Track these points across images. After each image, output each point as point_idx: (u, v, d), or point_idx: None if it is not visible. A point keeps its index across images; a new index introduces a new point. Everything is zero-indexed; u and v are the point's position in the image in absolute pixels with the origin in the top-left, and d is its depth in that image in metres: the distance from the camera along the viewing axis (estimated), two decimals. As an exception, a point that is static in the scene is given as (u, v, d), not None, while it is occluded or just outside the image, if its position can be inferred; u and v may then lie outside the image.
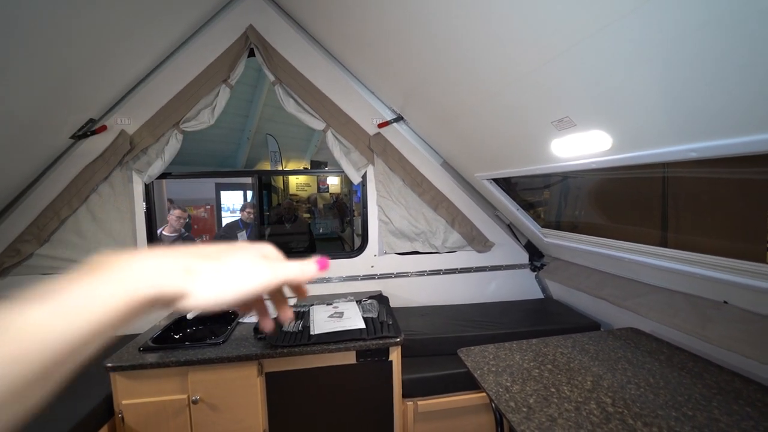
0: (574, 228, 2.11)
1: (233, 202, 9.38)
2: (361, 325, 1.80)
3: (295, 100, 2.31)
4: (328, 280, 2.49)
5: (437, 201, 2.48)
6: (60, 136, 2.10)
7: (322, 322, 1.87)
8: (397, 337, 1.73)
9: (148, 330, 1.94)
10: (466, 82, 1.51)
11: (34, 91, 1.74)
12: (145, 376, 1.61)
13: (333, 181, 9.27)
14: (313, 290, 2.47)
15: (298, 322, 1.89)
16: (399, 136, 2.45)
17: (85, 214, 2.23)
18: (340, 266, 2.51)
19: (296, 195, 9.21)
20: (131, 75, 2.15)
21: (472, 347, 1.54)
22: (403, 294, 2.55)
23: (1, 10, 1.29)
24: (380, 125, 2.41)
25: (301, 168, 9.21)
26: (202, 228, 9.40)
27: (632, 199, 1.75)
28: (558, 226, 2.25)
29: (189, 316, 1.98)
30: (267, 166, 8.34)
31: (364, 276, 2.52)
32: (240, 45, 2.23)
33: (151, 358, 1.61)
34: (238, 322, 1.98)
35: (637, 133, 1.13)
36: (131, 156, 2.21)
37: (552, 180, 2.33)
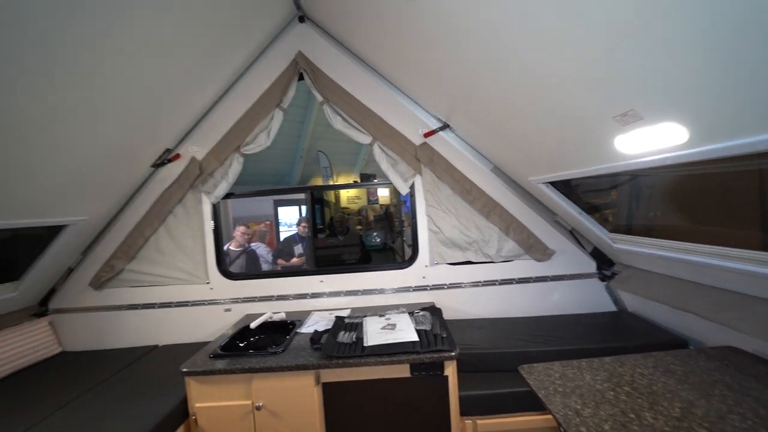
0: (648, 232, 1.89)
1: (290, 218, 9.96)
2: (414, 337, 1.77)
3: (342, 117, 2.40)
4: (380, 291, 2.50)
5: (489, 208, 2.39)
6: (143, 165, 2.39)
7: (375, 333, 1.87)
8: (451, 351, 1.67)
9: (217, 338, 2.09)
10: (514, 82, 1.44)
11: (122, 128, 2.01)
12: (214, 381, 1.73)
13: (383, 193, 9.40)
14: (366, 301, 2.49)
15: (352, 333, 1.91)
16: (446, 145, 2.41)
17: (163, 233, 2.51)
18: (391, 277, 2.51)
19: (347, 208, 9.50)
20: (199, 107, 2.40)
21: (535, 364, 1.44)
22: (457, 305, 2.47)
23: (91, 58, 1.52)
24: (426, 135, 2.39)
25: (351, 181, 9.50)
26: (264, 241, 10.11)
27: (719, 197, 1.52)
28: (629, 230, 2.03)
29: (252, 326, 2.10)
30: (319, 181, 8.73)
31: (416, 287, 2.49)
32: (290, 71, 2.39)
33: (219, 364, 1.74)
34: (296, 332, 2.06)
35: (719, 122, 0.98)
36: (200, 179, 2.45)
37: (619, 180, 2.12)
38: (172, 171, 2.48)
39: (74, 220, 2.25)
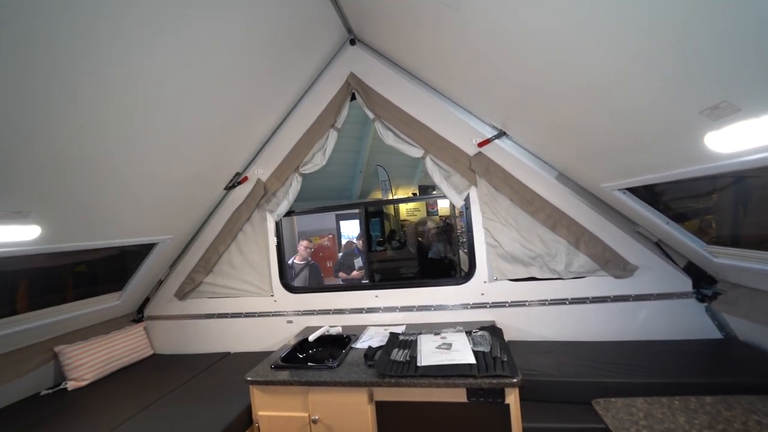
0: (760, 243, 1.56)
1: (351, 231, 10.29)
2: (471, 359, 1.67)
3: (394, 133, 2.42)
4: (436, 307, 2.42)
5: (554, 219, 2.19)
6: (217, 188, 2.66)
7: (429, 353, 1.80)
8: (513, 377, 1.53)
9: (279, 349, 2.20)
10: (578, 80, 1.32)
11: (201, 157, 2.27)
12: (275, 391, 1.81)
13: (444, 204, 9.25)
14: (421, 318, 2.43)
15: (406, 351, 1.87)
16: (503, 153, 2.29)
17: (234, 249, 2.74)
18: (448, 293, 2.41)
19: (406, 220, 9.49)
20: (263, 133, 2.61)
21: (614, 399, 1.25)
22: (521, 326, 2.28)
23: (171, 97, 1.74)
24: (481, 144, 2.30)
25: (410, 193, 9.53)
26: (327, 255, 10.56)
27: None
28: (735, 242, 1.69)
29: (311, 339, 2.17)
30: (379, 195, 8.91)
31: (474, 304, 2.37)
32: (343, 92, 2.49)
33: (280, 375, 1.81)
34: (351, 347, 2.07)
35: None
36: (265, 199, 2.65)
37: (718, 183, 1.80)
38: (241, 192, 2.71)
39: (162, 238, 2.58)
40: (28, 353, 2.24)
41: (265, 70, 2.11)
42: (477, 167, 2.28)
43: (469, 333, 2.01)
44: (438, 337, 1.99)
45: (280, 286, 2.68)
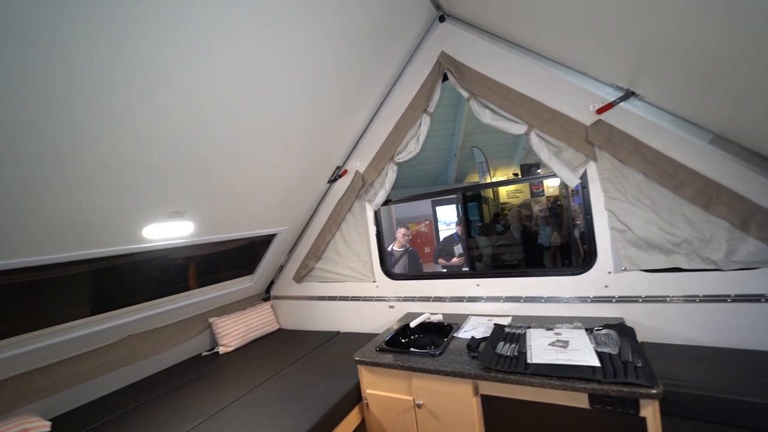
0: None
1: (447, 217, 10.12)
2: (595, 362, 1.45)
3: (491, 110, 2.23)
4: (547, 299, 2.19)
5: (708, 195, 1.73)
6: (322, 182, 2.88)
7: (541, 349, 1.64)
8: (652, 388, 1.28)
9: (383, 333, 2.29)
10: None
11: (308, 154, 2.49)
12: (381, 372, 1.90)
13: (553, 183, 8.34)
14: (529, 310, 2.23)
15: (513, 345, 1.73)
16: (631, 118, 1.89)
17: (339, 238, 2.95)
18: (562, 284, 2.15)
19: (507, 203, 8.87)
20: (358, 126, 2.70)
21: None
22: (659, 326, 1.90)
23: (281, 100, 1.91)
24: (600, 110, 1.94)
25: (510, 174, 8.82)
26: (424, 240, 10.63)
27: None
28: None
29: (412, 325, 2.21)
30: (475, 178, 8.50)
31: (595, 298, 2.06)
32: (434, 74, 2.39)
33: (384, 358, 1.89)
34: (453, 336, 2.03)
35: None
36: (363, 190, 2.76)
37: None
38: (342, 185, 2.89)
39: (281, 229, 2.93)
40: (191, 323, 2.83)
41: (356, 65, 2.16)
42: (596, 138, 1.94)
43: (589, 331, 1.76)
44: (551, 332, 1.80)
45: (381, 272, 2.78)
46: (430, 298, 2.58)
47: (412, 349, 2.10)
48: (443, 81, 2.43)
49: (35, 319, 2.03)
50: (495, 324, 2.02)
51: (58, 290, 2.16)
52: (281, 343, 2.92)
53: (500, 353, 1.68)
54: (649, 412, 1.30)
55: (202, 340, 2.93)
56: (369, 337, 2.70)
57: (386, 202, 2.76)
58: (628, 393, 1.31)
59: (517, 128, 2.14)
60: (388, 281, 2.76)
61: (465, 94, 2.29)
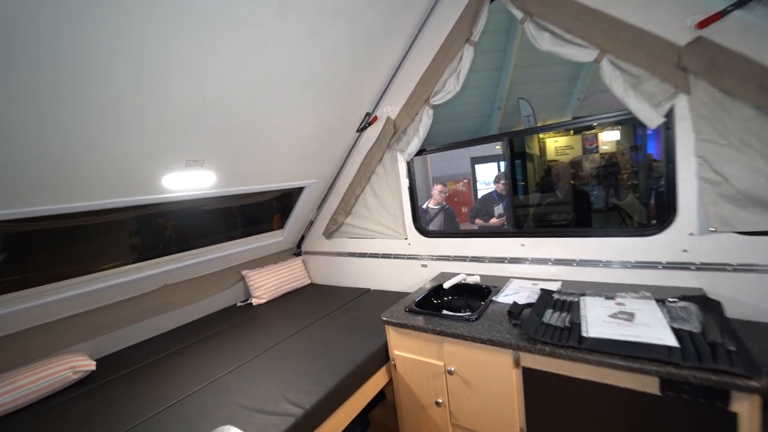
0: None
1: (487, 176, 9.54)
2: (671, 341, 1.18)
3: (552, 33, 1.80)
4: (606, 263, 1.88)
5: None
6: (350, 131, 2.64)
7: (599, 321, 1.38)
8: (752, 378, 1.00)
9: (414, 292, 2.14)
10: None
11: (333, 103, 2.24)
12: (410, 335, 1.76)
13: (608, 137, 7.44)
14: (583, 275, 1.94)
15: (564, 314, 1.49)
16: (747, 32, 1.42)
17: (369, 192, 2.75)
18: (626, 247, 1.82)
19: (555, 161, 8.11)
20: (389, 67, 2.37)
21: None
22: (754, 301, 1.54)
23: (298, 44, 1.65)
24: (702, 23, 1.48)
25: (561, 129, 7.98)
26: (461, 200, 10.22)
27: None
28: None
29: (446, 286, 2.02)
30: (521, 133, 7.79)
31: (668, 264, 1.72)
32: (481, -9, 1.97)
33: (413, 320, 1.74)
34: (492, 300, 1.82)
35: None
36: (395, 138, 2.49)
37: None
38: (372, 133, 2.63)
39: (308, 183, 2.78)
40: (226, 274, 2.86)
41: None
42: (692, 62, 1.49)
43: (661, 302, 1.46)
44: (612, 302, 1.52)
45: (414, 229, 2.57)
46: (467, 258, 2.35)
47: (444, 311, 1.93)
48: (491, 1, 2.00)
49: (79, 266, 2.10)
50: (541, 289, 1.78)
51: (97, 238, 2.21)
52: (311, 298, 2.89)
53: (548, 322, 1.45)
54: (744, 408, 1.03)
55: (236, 291, 2.97)
56: (400, 296, 2.57)
57: (420, 152, 2.48)
58: (716, 382, 1.04)
59: (585, 54, 1.72)
60: (421, 239, 2.56)
61: (518, 15, 1.86)
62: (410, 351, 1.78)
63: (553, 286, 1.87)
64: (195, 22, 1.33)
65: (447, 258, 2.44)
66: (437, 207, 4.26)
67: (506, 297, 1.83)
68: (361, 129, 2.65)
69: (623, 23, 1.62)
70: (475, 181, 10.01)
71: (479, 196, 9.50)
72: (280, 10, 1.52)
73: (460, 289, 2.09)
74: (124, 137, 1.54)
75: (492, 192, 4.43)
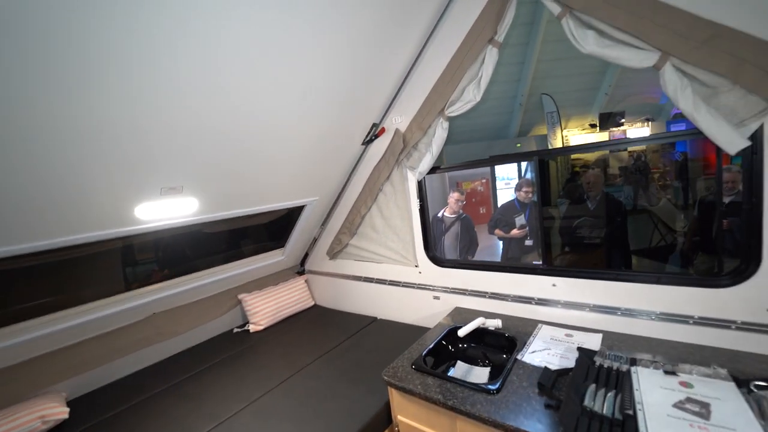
0: None
1: (507, 173, 9.05)
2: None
3: (597, 31, 1.45)
4: (659, 316, 1.52)
5: None
6: (355, 144, 2.35)
7: (662, 414, 1.06)
8: None
9: (424, 337, 1.84)
10: None
11: (335, 114, 1.96)
12: (416, 402, 1.47)
13: (638, 133, 6.86)
14: (628, 326, 1.59)
15: (611, 394, 1.17)
16: None
17: (376, 211, 2.46)
18: (685, 297, 1.46)
19: (579, 159, 7.58)
20: (398, 72, 2.06)
21: None
22: None
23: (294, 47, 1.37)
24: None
25: (586, 126, 7.43)
26: (480, 200, 9.74)
27: None
28: None
29: (461, 334, 1.72)
30: (542, 131, 7.28)
31: (744, 325, 1.36)
32: (508, -19, 1.62)
33: (420, 384, 1.44)
34: (516, 360, 1.51)
35: None
36: (405, 154, 2.18)
37: None
38: (379, 147, 2.33)
39: (309, 200, 2.51)
40: (222, 298, 2.64)
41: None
42: (794, 69, 1.13)
43: (743, 385, 1.12)
44: (675, 380, 1.19)
45: (426, 257, 2.27)
46: (486, 294, 2.04)
47: (459, 362, 1.64)
48: (520, -6, 1.66)
49: (57, 300, 1.91)
50: (579, 349, 1.45)
51: (77, 270, 2.01)
52: (313, 326, 2.64)
53: (592, 409, 1.13)
54: None
55: (233, 315, 2.75)
56: (409, 329, 2.30)
57: (433, 170, 2.16)
58: None
59: (641, 58, 1.36)
60: (433, 268, 2.25)
61: (555, 10, 1.52)
62: (417, 420, 1.49)
63: (593, 341, 1.54)
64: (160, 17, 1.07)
65: (463, 292, 2.13)
66: (453, 216, 3.95)
67: (534, 354, 1.52)
68: (367, 141, 2.35)
69: (696, 18, 1.25)
70: (494, 180, 9.56)
71: (498, 199, 9.05)
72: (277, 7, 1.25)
73: (479, 334, 1.79)
74: (85, 168, 1.31)
75: (513, 200, 4.05)
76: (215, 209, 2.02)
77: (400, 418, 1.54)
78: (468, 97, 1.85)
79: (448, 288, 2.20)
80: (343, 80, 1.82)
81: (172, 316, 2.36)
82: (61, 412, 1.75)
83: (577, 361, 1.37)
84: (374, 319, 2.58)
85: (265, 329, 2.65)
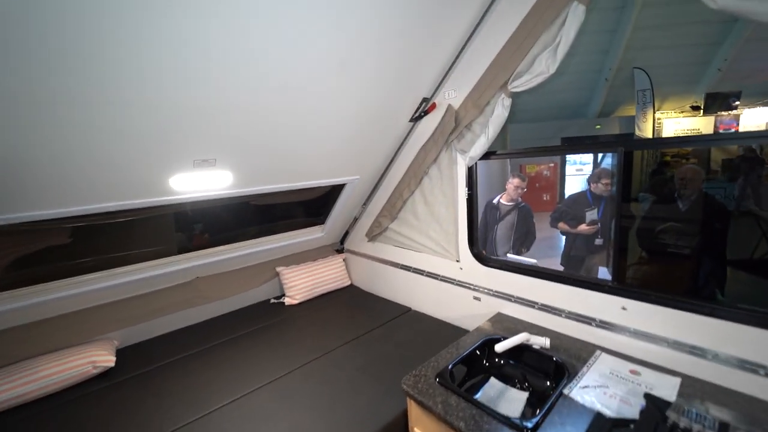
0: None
1: (580, 157, 8.06)
2: None
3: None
4: (729, 360, 1.16)
5: None
6: (402, 121, 2.13)
7: None
8: None
9: (468, 335, 1.66)
10: None
11: (381, 83, 1.75)
12: (436, 421, 1.31)
13: (756, 118, 5.62)
14: (721, 376, 1.24)
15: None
16: None
17: (419, 196, 2.25)
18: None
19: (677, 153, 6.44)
20: (457, 36, 1.76)
21: None
22: None
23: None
24: None
25: (686, 107, 6.22)
26: (545, 186, 8.86)
27: None
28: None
29: (498, 350, 1.50)
30: (629, 111, 6.24)
31: None
32: None
33: (442, 401, 1.28)
34: (562, 393, 1.27)
35: None
36: (456, 134, 1.91)
37: None
38: (428, 125, 2.09)
39: (350, 179, 2.38)
40: (260, 270, 2.68)
41: None
42: None
43: None
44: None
45: (469, 253, 2.04)
46: (536, 305, 1.77)
47: (492, 379, 1.45)
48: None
49: (113, 258, 2.05)
50: (647, 396, 1.16)
51: (133, 232, 2.13)
52: (346, 307, 2.58)
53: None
54: None
55: (272, 285, 2.80)
56: (443, 326, 2.14)
57: (487, 155, 1.88)
58: None
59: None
60: (476, 265, 2.02)
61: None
62: (436, 435, 1.34)
63: (667, 386, 1.23)
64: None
65: (508, 297, 1.88)
66: (510, 204, 3.60)
67: (586, 391, 1.26)
68: (416, 118, 2.12)
69: None
70: (563, 164, 8.62)
71: (566, 187, 8.17)
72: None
73: (520, 350, 1.56)
74: (123, 140, 1.31)
75: (585, 191, 3.54)
76: (252, 183, 1.97)
77: (416, 431, 1.41)
78: (539, 68, 1.51)
79: (492, 290, 1.96)
80: (391, 49, 1.59)
81: (213, 281, 2.44)
82: (109, 360, 1.91)
83: (643, 412, 1.10)
84: (408, 310, 2.45)
85: (300, 304, 2.67)
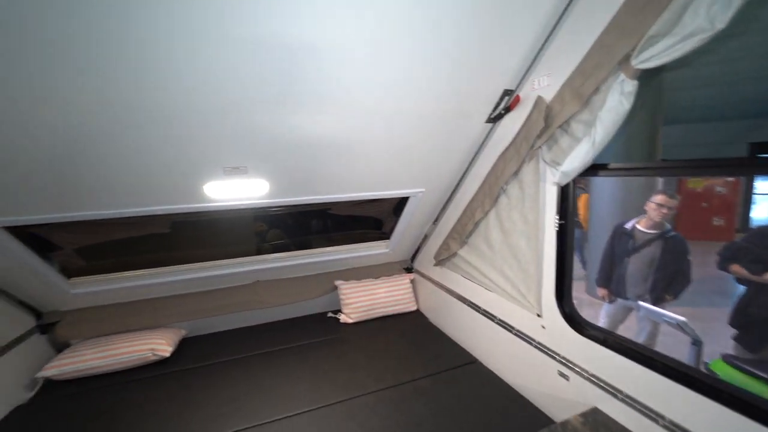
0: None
1: (784, 171, 5.66)
2: None
3: None
4: None
5: None
6: (477, 122, 1.65)
7: None
8: None
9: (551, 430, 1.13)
10: None
11: (450, 74, 1.36)
12: None
13: None
14: None
15: None
16: None
17: (494, 220, 1.73)
18: None
19: None
20: (548, 11, 1.20)
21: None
22: None
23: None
24: None
25: None
26: (716, 206, 6.54)
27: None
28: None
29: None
30: None
31: None
32: None
33: None
34: None
35: None
36: (545, 138, 1.35)
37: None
38: (511, 125, 1.55)
39: (413, 191, 2.01)
40: (320, 281, 2.54)
41: None
42: None
43: None
44: None
45: (557, 310, 1.42)
46: (661, 419, 1.07)
47: None
48: None
49: (187, 255, 2.19)
50: None
51: (206, 232, 2.25)
52: (403, 340, 2.22)
53: None
54: None
55: (331, 297, 2.63)
56: (515, 399, 1.62)
57: (592, 171, 1.25)
58: None
59: None
60: (566, 330, 1.39)
61: None
62: None
63: None
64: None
65: (613, 391, 1.21)
66: (651, 232, 2.68)
67: None
68: (495, 118, 1.61)
69: None
70: (752, 179, 6.39)
71: (751, 211, 5.97)
72: None
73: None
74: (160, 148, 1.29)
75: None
76: (289, 193, 1.80)
77: None
78: (688, 28, 0.86)
79: (587, 372, 1.31)
80: (463, 27, 1.16)
81: (272, 286, 2.41)
82: (165, 350, 2.02)
83: None
84: (474, 361, 1.93)
85: (355, 323, 2.43)
